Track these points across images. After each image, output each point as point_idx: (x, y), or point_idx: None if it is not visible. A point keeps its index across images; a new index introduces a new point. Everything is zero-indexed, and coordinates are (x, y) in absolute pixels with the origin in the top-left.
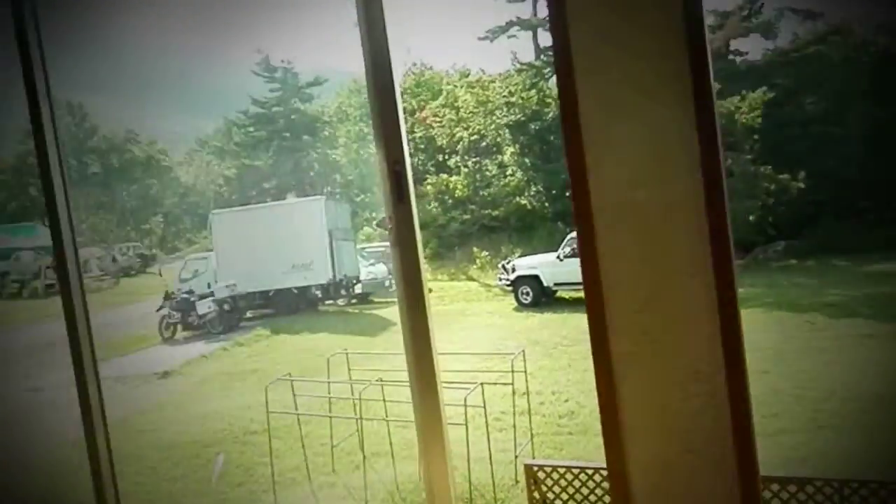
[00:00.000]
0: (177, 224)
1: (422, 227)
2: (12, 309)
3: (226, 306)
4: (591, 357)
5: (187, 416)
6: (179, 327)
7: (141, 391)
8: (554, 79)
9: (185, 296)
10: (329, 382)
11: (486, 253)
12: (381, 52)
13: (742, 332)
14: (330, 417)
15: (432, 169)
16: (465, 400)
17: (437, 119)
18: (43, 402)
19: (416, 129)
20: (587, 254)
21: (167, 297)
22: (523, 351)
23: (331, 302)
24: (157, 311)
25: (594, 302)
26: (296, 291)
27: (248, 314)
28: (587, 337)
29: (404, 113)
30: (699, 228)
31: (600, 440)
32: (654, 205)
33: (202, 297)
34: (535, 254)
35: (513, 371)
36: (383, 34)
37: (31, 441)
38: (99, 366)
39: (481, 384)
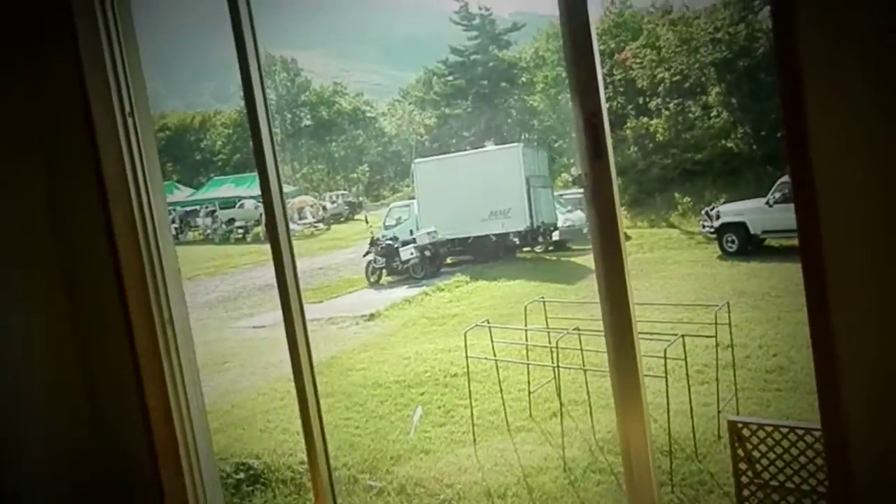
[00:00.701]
0: (381, 172)
1: (620, 173)
2: (239, 252)
3: (427, 252)
4: (803, 309)
5: (392, 356)
6: (384, 272)
7: (350, 331)
8: (765, 10)
9: (389, 242)
10: (526, 330)
11: (689, 199)
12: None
13: None
14: (527, 364)
15: (632, 112)
16: (665, 352)
17: (638, 60)
18: (265, 339)
19: (614, 72)
20: (804, 198)
21: (373, 243)
22: (727, 302)
23: (528, 249)
24: (364, 256)
25: (811, 250)
26: (494, 238)
27: (448, 260)
28: (799, 288)
29: (602, 55)
30: None
31: (812, 398)
32: (882, 144)
33: (405, 243)
34: (742, 199)
35: (716, 323)
36: None
37: (253, 373)
38: (314, 307)
39: (682, 336)
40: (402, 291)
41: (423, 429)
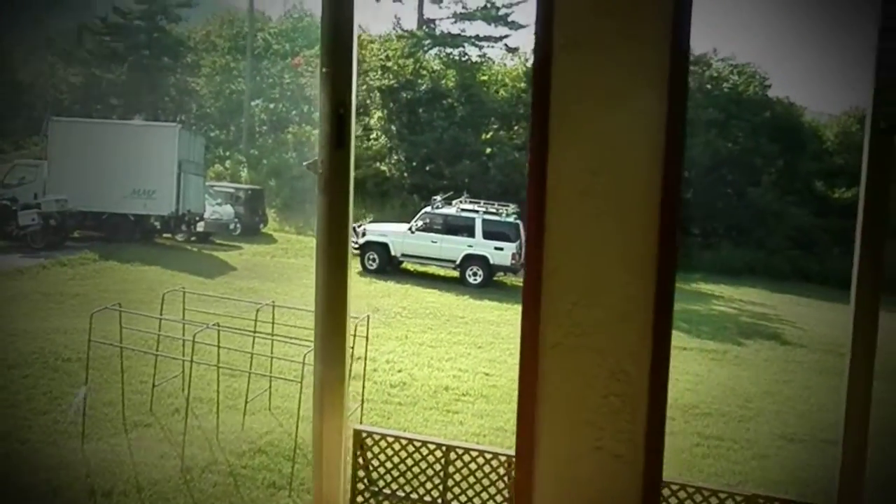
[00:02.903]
0: (4, 123)
1: (275, 175)
2: None
3: (52, 221)
4: (427, 331)
5: None
6: None
7: None
8: (431, 52)
9: (6, 202)
10: (161, 319)
11: None
12: None
13: (671, 337)
14: (156, 355)
15: (296, 118)
16: (304, 357)
17: (310, 69)
18: None
19: (285, 75)
20: (534, 236)
21: None
22: (367, 316)
23: (168, 236)
24: None
25: (532, 287)
26: (132, 218)
27: (76, 234)
28: (427, 310)
29: (276, 55)
30: (649, 226)
31: (428, 413)
32: (609, 196)
33: (26, 206)
34: (387, 222)
35: (355, 335)
36: None
37: None
38: None
39: None
40: (15, 260)
41: (23, 415)
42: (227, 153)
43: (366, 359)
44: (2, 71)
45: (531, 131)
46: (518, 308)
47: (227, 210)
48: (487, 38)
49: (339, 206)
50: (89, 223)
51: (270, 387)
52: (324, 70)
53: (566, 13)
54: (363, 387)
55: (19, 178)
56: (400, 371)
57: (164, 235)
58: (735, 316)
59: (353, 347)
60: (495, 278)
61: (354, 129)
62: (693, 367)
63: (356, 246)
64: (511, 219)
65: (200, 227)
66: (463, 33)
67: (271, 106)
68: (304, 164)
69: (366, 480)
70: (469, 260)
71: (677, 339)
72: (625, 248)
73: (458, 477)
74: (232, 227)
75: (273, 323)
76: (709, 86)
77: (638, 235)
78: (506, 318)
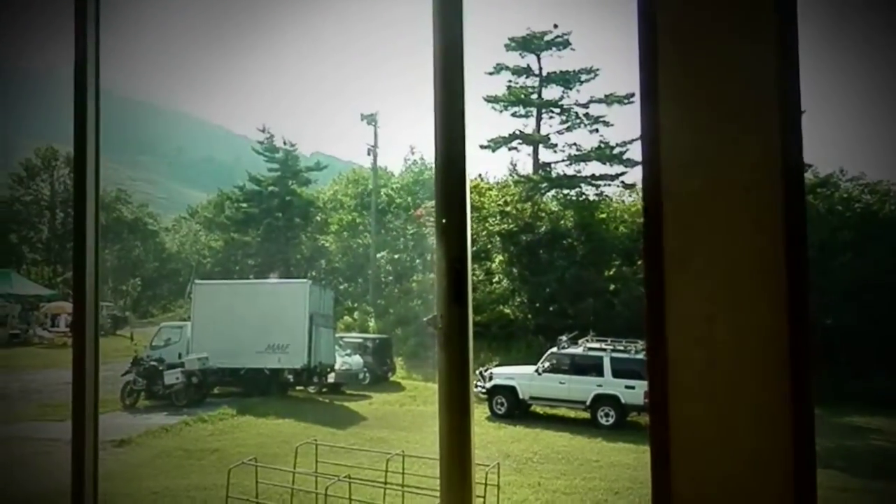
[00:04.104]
0: (154, 289)
1: (402, 324)
2: None
3: (194, 379)
4: (561, 477)
5: (138, 490)
6: (143, 395)
7: None
8: (548, 194)
9: (153, 363)
10: (294, 472)
11: None
12: (455, 143)
13: (815, 484)
14: None
15: (420, 267)
16: None
17: (430, 219)
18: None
19: (408, 226)
20: (657, 385)
21: (135, 362)
22: (497, 464)
23: (301, 388)
24: (123, 375)
25: (658, 430)
26: (268, 373)
27: (216, 390)
28: (559, 454)
29: (398, 209)
30: (779, 360)
31: None
32: (730, 341)
33: (171, 366)
34: (513, 364)
35: (486, 483)
36: (461, 122)
37: None
38: (55, 425)
39: None
40: (160, 418)
41: None
42: (356, 304)
43: None
44: (152, 242)
45: (646, 277)
46: None
47: (357, 360)
48: (603, 177)
49: (460, 361)
50: (227, 379)
51: None
52: (442, 222)
53: (670, 164)
54: None
55: (165, 340)
56: None
57: (298, 388)
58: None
59: (483, 497)
60: (628, 418)
61: (476, 275)
62: None
63: (484, 391)
64: (640, 356)
65: (331, 378)
66: (579, 174)
67: (395, 257)
68: (425, 319)
69: None
70: (600, 400)
71: (836, 479)
72: (755, 393)
73: None
74: (361, 376)
75: (403, 473)
76: (839, 207)
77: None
78: (643, 462)
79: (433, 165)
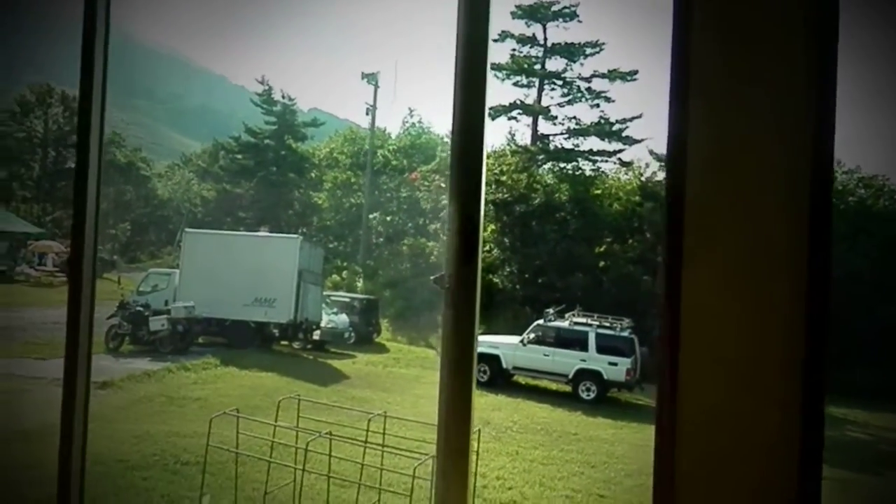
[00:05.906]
0: (143, 234)
1: (390, 286)
2: None
3: (180, 327)
4: (539, 447)
5: (120, 432)
6: (127, 340)
7: None
8: (545, 167)
9: (139, 308)
10: (276, 426)
11: None
12: (475, 106)
13: (821, 469)
14: (269, 462)
15: (412, 230)
16: (415, 470)
17: (426, 183)
18: None
19: (402, 189)
20: (670, 374)
21: (121, 306)
22: (479, 430)
23: (286, 343)
24: (108, 318)
25: (665, 415)
26: (253, 325)
27: (200, 340)
28: (538, 425)
29: (394, 171)
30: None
31: None
32: (746, 340)
33: (157, 312)
34: (498, 334)
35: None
36: (482, 88)
37: None
38: (39, 364)
39: (432, 457)
40: (144, 363)
41: None
42: (345, 264)
43: (476, 474)
44: (144, 188)
45: (665, 274)
46: (633, 426)
47: (343, 319)
48: (601, 153)
49: (467, 321)
50: (213, 329)
51: (380, 499)
52: (454, 183)
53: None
54: (473, 502)
55: (153, 286)
56: (510, 489)
57: (283, 342)
58: (873, 444)
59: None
60: (609, 394)
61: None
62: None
63: None
64: (626, 333)
65: (317, 335)
66: (577, 148)
67: (388, 219)
68: (432, 278)
69: None
70: (582, 375)
71: None
72: (765, 375)
73: None
74: (346, 335)
75: (384, 433)
76: (834, 199)
77: (781, 355)
78: (620, 437)
79: (431, 129)
